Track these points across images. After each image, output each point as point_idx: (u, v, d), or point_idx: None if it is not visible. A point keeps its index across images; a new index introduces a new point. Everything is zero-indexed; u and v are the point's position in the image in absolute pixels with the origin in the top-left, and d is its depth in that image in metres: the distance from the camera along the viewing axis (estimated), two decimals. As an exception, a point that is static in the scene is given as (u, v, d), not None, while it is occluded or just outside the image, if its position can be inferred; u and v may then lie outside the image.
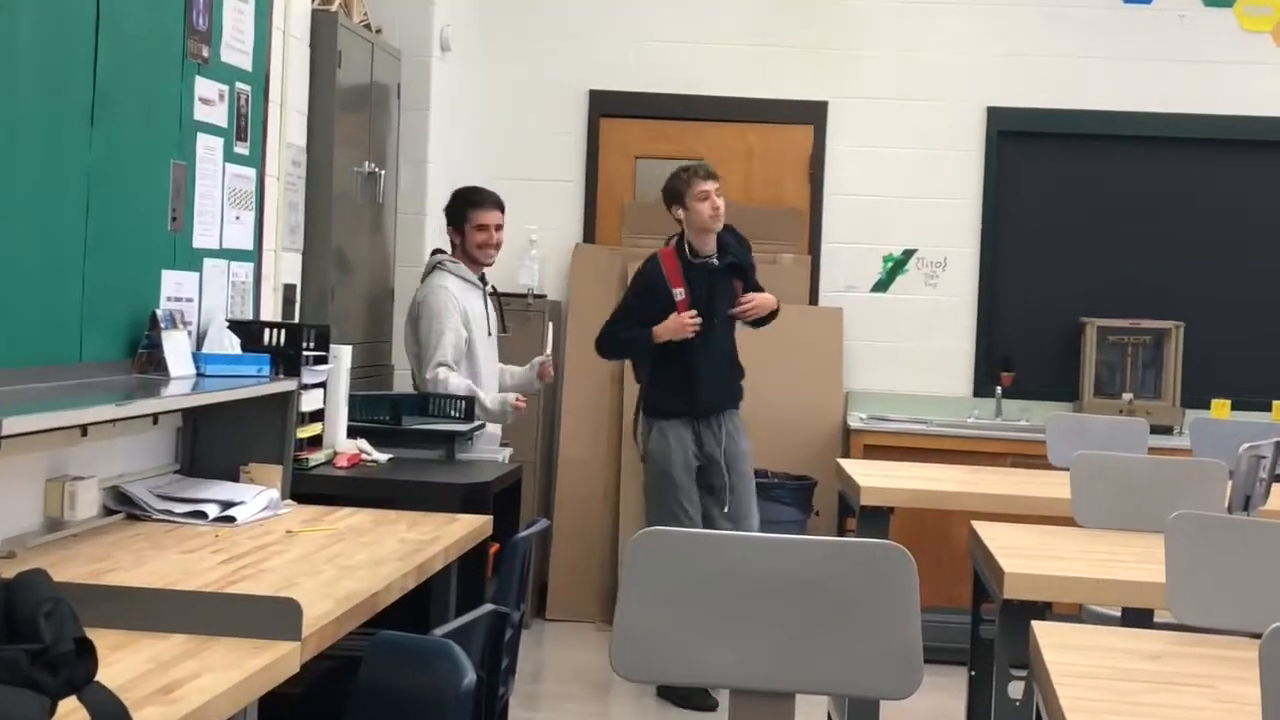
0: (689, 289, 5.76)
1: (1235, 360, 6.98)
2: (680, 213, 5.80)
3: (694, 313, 5.69)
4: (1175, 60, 6.99)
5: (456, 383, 5.23)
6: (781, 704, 2.12)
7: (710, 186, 5.72)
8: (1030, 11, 7.03)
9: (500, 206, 5.60)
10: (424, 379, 5.32)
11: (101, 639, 1.76)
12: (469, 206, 5.53)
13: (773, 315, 5.99)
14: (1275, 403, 6.89)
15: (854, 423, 6.81)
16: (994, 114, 7.12)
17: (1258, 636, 1.83)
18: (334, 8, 5.36)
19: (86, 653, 1.69)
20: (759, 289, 5.97)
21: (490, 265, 5.64)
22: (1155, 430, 6.27)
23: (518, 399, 5.41)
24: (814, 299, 7.13)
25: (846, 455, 6.25)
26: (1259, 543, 2.99)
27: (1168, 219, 7.06)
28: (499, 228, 5.57)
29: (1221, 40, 7.00)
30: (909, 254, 7.20)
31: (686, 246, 5.83)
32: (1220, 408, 6.84)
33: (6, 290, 3.04)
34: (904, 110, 7.10)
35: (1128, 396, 6.86)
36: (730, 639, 2.11)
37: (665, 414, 5.85)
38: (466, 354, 5.42)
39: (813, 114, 7.17)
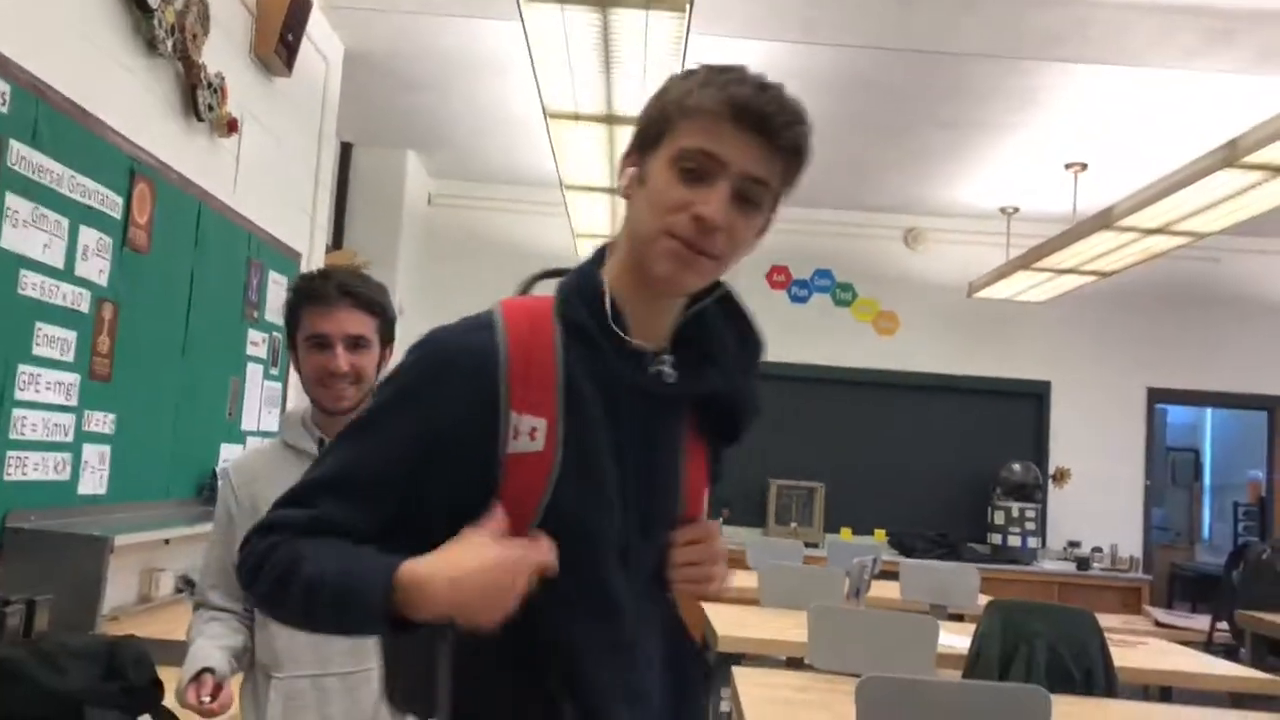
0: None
1: (854, 505, 7.26)
2: (627, 189, 1.02)
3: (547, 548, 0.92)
4: (817, 336, 7.43)
5: None
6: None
7: (724, 153, 0.97)
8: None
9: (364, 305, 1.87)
10: None
11: (168, 674, 1.81)
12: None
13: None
14: (877, 530, 7.20)
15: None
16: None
17: (858, 675, 2.08)
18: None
19: (156, 686, 1.79)
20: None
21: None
22: (808, 545, 6.57)
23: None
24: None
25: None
26: (858, 620, 3.17)
27: (816, 426, 7.37)
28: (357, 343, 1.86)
29: (843, 325, 7.49)
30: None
31: (607, 303, 1.02)
32: (845, 533, 7.18)
33: (132, 458, 3.17)
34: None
35: (793, 524, 7.08)
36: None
37: None
38: None
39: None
